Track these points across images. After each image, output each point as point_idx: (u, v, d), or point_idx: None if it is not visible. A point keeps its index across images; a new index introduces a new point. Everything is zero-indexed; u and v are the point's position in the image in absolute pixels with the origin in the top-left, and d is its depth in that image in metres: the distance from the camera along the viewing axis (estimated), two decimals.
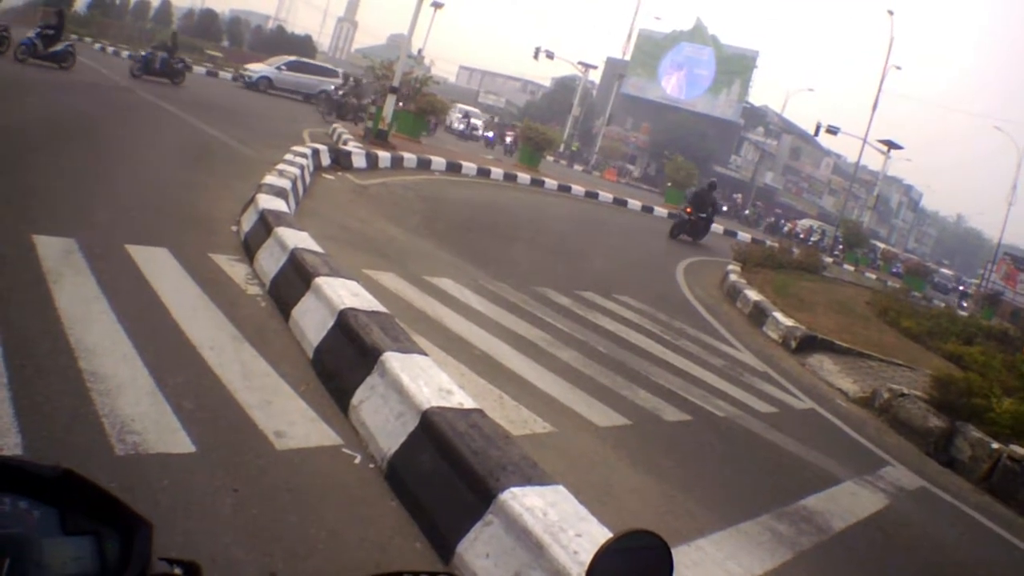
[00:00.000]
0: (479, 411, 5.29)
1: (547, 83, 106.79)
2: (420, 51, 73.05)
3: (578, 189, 37.15)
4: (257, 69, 44.83)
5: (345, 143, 24.65)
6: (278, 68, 44.53)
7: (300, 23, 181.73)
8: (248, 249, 9.68)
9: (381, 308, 7.08)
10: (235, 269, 9.03)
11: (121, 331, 6.29)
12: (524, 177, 33.91)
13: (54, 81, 24.08)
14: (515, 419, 7.04)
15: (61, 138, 14.98)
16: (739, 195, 75.12)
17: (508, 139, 54.36)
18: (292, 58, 47.44)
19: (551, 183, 35.43)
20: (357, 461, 5.37)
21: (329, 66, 50.65)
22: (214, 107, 27.91)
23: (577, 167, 67.83)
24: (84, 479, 1.20)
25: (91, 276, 7.47)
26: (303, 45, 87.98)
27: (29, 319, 6.14)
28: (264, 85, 42.96)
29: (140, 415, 5.05)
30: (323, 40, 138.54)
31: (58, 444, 4.51)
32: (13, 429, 4.51)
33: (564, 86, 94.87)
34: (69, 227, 8.80)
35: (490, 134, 50.23)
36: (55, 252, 7.86)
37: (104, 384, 5.31)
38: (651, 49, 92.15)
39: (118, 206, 10.84)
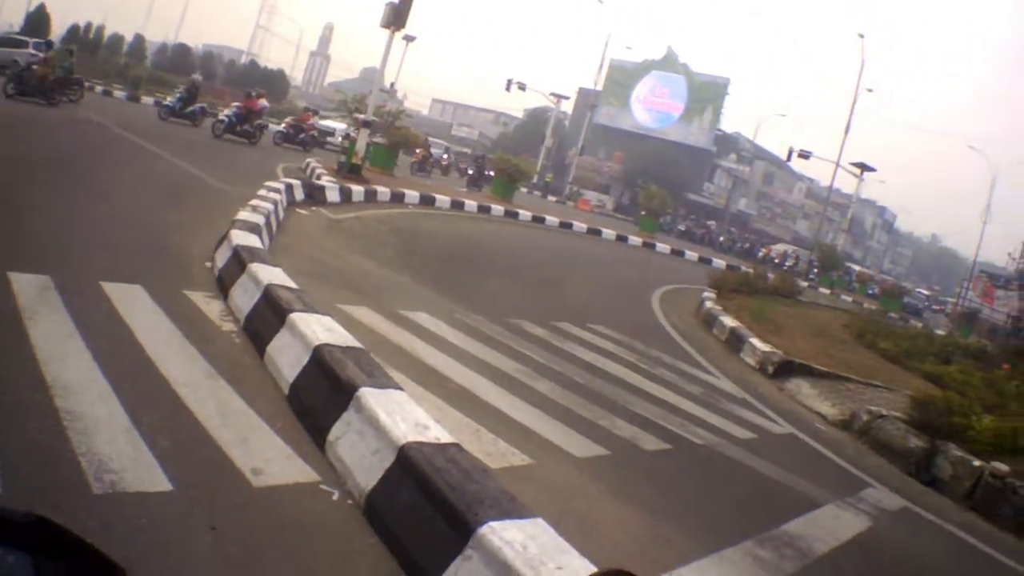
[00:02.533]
0: (456, 445, 5.28)
1: (520, 115, 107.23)
2: (393, 84, 72.80)
3: (552, 220, 37.32)
4: None
5: (319, 178, 24.69)
6: None
7: (273, 57, 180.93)
8: (222, 285, 9.63)
9: (356, 343, 7.06)
10: (210, 306, 8.99)
11: (97, 368, 6.27)
12: (498, 209, 34.10)
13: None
14: (493, 452, 7.03)
15: (36, 176, 14.96)
16: (713, 222, 75.48)
17: (470, 171, 53.15)
18: None
19: (525, 214, 35.62)
20: (335, 498, 5.35)
21: (21, 37, 49.09)
22: (191, 145, 27.79)
23: (551, 198, 68.05)
24: (57, 525, 1.17)
25: (66, 313, 7.44)
26: (276, 79, 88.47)
27: (4, 356, 6.13)
28: None
29: (117, 453, 5.02)
30: (296, 74, 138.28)
31: (36, 482, 4.49)
32: None
33: (536, 117, 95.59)
34: (44, 264, 8.78)
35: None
36: (30, 289, 7.83)
37: (81, 422, 5.29)
38: (623, 79, 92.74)
39: (92, 243, 10.85)
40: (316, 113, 42.99)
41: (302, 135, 38.61)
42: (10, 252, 9.16)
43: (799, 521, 7.91)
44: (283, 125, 39.47)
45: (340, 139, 43.61)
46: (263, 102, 35.78)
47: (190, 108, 35.08)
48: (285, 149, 36.05)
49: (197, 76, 44.82)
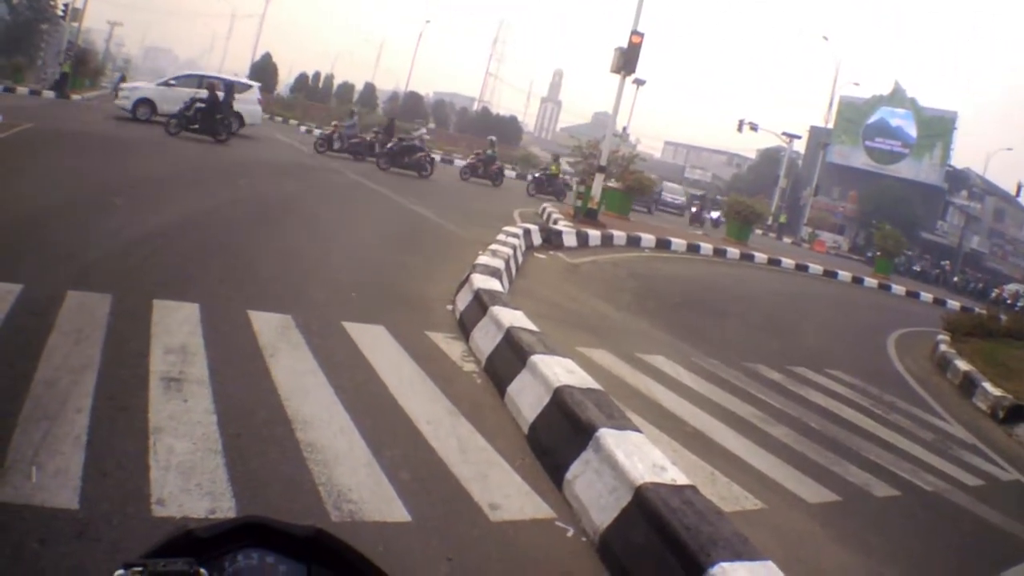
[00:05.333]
0: (692, 487, 5.19)
1: (752, 155, 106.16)
2: (625, 128, 73.16)
3: (788, 262, 36.47)
4: None
5: (556, 222, 25.02)
6: None
7: (505, 104, 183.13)
8: (464, 327, 9.82)
9: (596, 385, 7.05)
10: (451, 346, 9.17)
11: (338, 404, 6.46)
12: (733, 251, 33.58)
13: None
14: (727, 496, 6.93)
15: (275, 217, 15.72)
16: (947, 262, 72.30)
17: (705, 211, 53.81)
18: None
19: (760, 257, 34.94)
20: (570, 534, 5.33)
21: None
22: (425, 192, 28.61)
23: (787, 239, 66.98)
24: (335, 539, 1.20)
25: (308, 351, 7.73)
26: (509, 125, 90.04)
27: (246, 391, 6.38)
28: None
29: (357, 485, 5.14)
30: (528, 120, 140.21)
31: (273, 510, 4.57)
32: (228, 494, 4.67)
33: (769, 157, 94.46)
34: (285, 304, 9.19)
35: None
36: (272, 327, 8.20)
37: (321, 454, 5.45)
38: (853, 115, 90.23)
39: (333, 284, 11.24)
40: None
41: None
42: (250, 291, 9.66)
43: (1017, 569, 7.73)
44: None
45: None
46: None
47: None
48: None
49: None
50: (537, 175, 42.29)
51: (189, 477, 4.76)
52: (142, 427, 5.31)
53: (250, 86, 38.96)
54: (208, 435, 5.35)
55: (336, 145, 35.64)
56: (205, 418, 5.60)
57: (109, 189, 15.17)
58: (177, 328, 7.54)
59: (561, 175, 41.09)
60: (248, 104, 35.97)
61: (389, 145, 34.33)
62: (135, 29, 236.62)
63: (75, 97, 47.75)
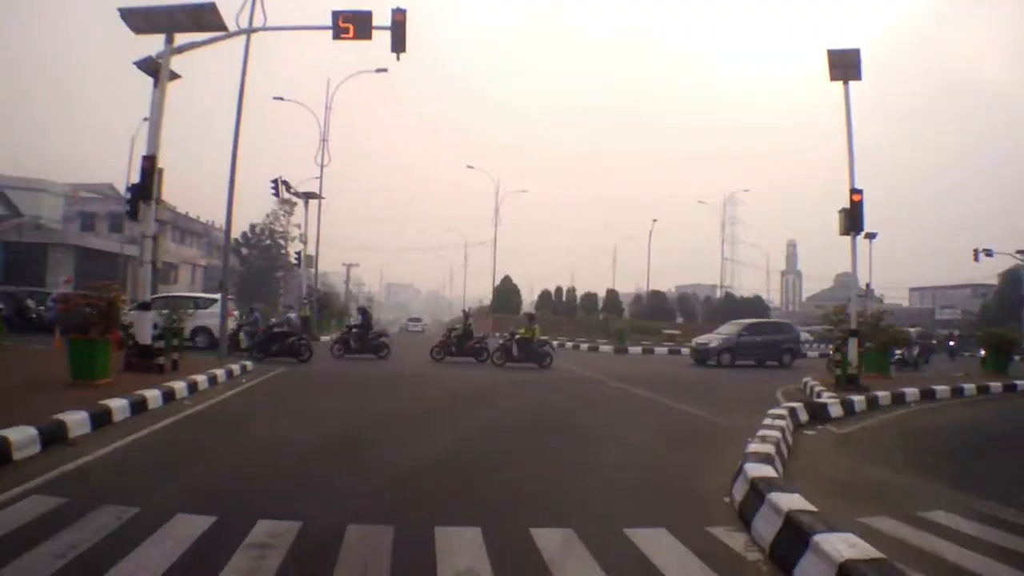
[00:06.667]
0: None
1: (994, 281, 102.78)
2: (868, 285, 71.89)
3: None
4: None
5: (819, 395, 25.04)
6: None
7: (746, 284, 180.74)
8: (743, 518, 9.94)
9: (878, 555, 7.09)
10: (734, 539, 9.27)
11: None
12: (996, 385, 32.65)
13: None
14: None
15: (538, 428, 16.44)
16: None
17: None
18: None
19: (1022, 384, 33.68)
20: None
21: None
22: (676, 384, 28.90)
23: None
24: None
25: (594, 563, 7.96)
26: (754, 305, 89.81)
27: None
28: None
29: None
30: (773, 296, 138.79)
31: None
32: None
33: (1011, 279, 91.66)
34: (562, 517, 9.52)
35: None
36: (554, 542, 8.49)
37: None
38: None
39: (606, 490, 11.61)
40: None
41: None
42: (526, 508, 10.10)
43: None
44: None
45: None
46: None
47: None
48: None
49: None
50: (503, 341, 37.17)
51: None
52: None
53: (214, 300, 37.17)
54: None
55: (245, 344, 35.29)
56: None
57: (361, 424, 16.63)
58: (462, 553, 7.95)
59: (539, 337, 36.72)
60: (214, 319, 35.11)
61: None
62: (373, 267, 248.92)
63: (323, 339, 50.74)
